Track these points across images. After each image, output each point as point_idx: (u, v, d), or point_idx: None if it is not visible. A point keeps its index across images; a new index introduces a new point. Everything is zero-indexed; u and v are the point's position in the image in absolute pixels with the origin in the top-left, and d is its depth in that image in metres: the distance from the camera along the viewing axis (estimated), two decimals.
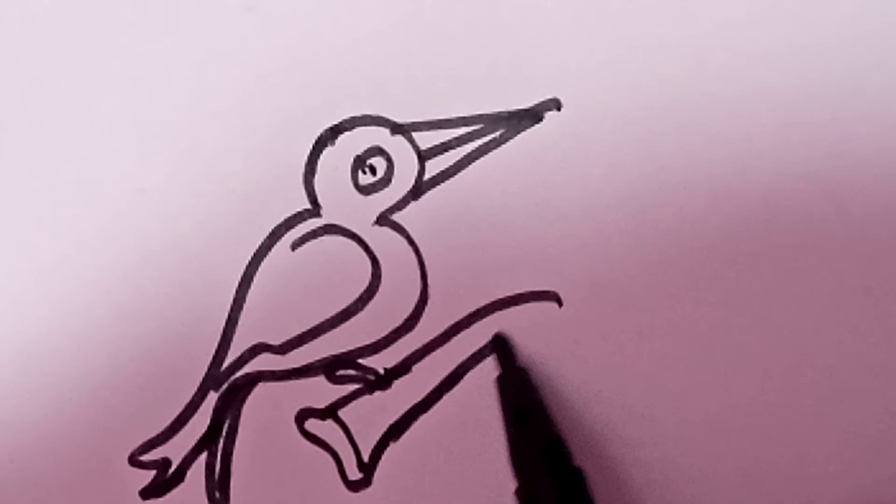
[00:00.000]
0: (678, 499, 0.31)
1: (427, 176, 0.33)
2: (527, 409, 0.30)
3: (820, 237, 0.31)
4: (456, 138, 0.32)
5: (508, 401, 0.31)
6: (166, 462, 0.33)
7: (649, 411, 0.31)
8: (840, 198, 0.31)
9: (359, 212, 0.33)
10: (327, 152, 0.33)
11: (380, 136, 0.33)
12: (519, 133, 0.32)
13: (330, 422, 0.33)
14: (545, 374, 0.31)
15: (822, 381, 0.31)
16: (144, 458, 0.33)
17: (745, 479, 0.31)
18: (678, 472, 0.31)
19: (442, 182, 0.32)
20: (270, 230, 0.33)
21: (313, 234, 0.33)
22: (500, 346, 0.32)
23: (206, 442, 0.33)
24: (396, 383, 0.33)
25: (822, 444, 0.31)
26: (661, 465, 0.31)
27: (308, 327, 0.33)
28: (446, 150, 0.32)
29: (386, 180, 0.33)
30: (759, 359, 0.31)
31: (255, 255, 0.33)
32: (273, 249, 0.33)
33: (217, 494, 0.33)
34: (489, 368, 0.32)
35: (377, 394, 0.33)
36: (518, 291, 0.32)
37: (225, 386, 0.33)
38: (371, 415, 0.33)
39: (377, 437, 0.33)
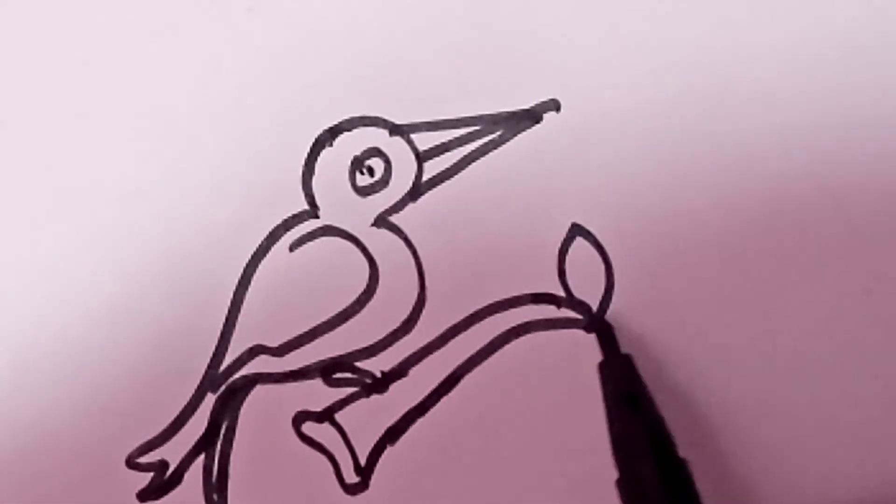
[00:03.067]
0: (781, 492, 0.30)
1: (425, 177, 0.32)
2: (636, 394, 0.30)
3: (820, 237, 0.30)
4: (454, 139, 0.32)
5: (615, 386, 0.30)
6: (164, 464, 0.33)
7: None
8: (840, 198, 0.30)
9: (357, 213, 0.33)
10: (325, 153, 0.33)
11: (378, 137, 0.33)
12: (518, 134, 0.32)
13: (327, 425, 0.33)
14: None
15: (822, 381, 0.30)
16: (142, 460, 0.33)
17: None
18: (780, 465, 0.30)
19: (440, 183, 0.32)
20: (269, 231, 0.33)
21: (311, 236, 0.33)
22: (603, 332, 0.31)
23: (204, 444, 0.33)
24: (393, 386, 0.32)
25: (822, 444, 0.30)
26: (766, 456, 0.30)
27: (306, 329, 0.33)
28: (445, 152, 0.32)
29: (384, 182, 0.33)
30: (758, 359, 0.30)
31: (253, 256, 0.33)
32: (271, 251, 0.33)
33: (215, 497, 0.33)
34: (486, 371, 0.32)
35: (374, 397, 0.32)
36: (516, 294, 0.32)
37: (223, 388, 0.33)
38: (368, 418, 0.32)
39: (374, 441, 0.32)
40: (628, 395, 0.30)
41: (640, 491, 0.29)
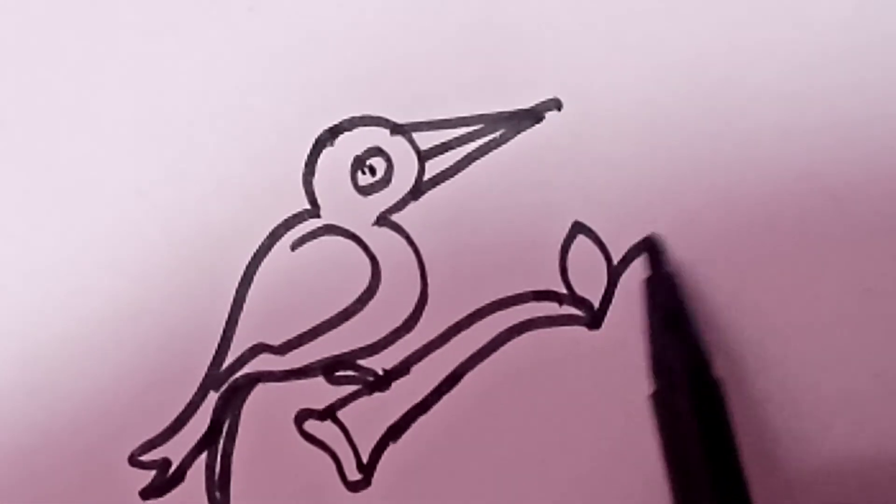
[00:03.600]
0: (810, 422, 0.30)
1: (427, 176, 0.32)
2: (678, 312, 0.30)
3: (820, 237, 0.31)
4: (456, 138, 0.32)
5: (659, 302, 0.30)
6: (166, 462, 0.33)
7: None
8: (840, 198, 0.30)
9: (358, 212, 0.33)
10: (327, 153, 0.33)
11: (379, 136, 0.33)
12: (519, 133, 0.32)
13: (329, 423, 0.33)
14: None
15: (821, 381, 0.31)
16: (144, 458, 0.33)
17: None
18: (811, 396, 0.31)
19: (442, 182, 0.32)
20: (270, 230, 0.33)
21: (313, 235, 0.33)
22: (651, 248, 0.31)
23: (206, 442, 0.33)
24: (395, 384, 0.32)
25: (823, 443, 0.31)
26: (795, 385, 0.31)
27: (307, 328, 0.33)
28: (446, 151, 0.32)
29: (385, 181, 0.33)
30: (758, 358, 0.31)
31: (254, 255, 0.33)
32: (273, 250, 0.33)
33: (217, 495, 0.33)
34: (488, 369, 0.32)
35: (376, 395, 0.33)
36: (518, 292, 0.32)
37: (225, 386, 0.33)
38: (370, 416, 0.32)
39: (376, 439, 0.32)
40: (670, 311, 0.30)
41: (672, 406, 0.29)
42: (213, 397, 0.33)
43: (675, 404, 0.29)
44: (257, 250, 0.33)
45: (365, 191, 0.33)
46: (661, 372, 0.29)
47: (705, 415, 0.29)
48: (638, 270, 0.31)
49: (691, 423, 0.29)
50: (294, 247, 0.33)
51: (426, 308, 0.32)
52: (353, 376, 0.33)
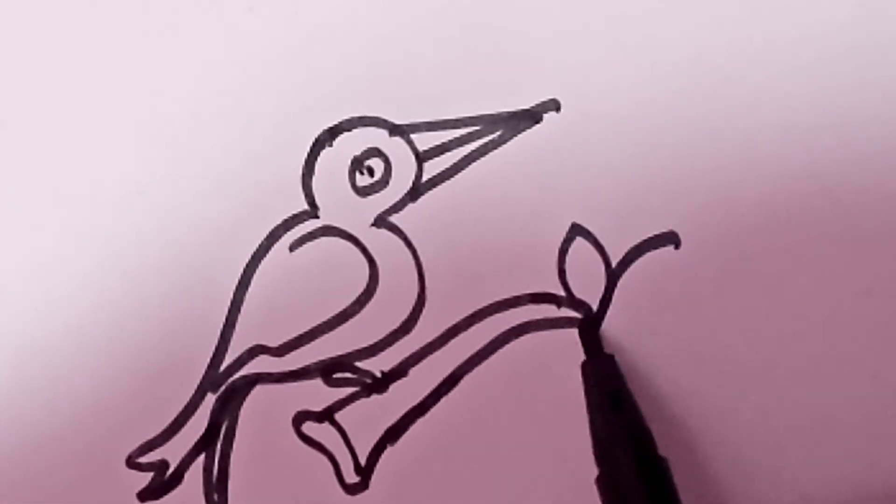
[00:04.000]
0: (760, 493, 0.30)
1: (425, 177, 0.32)
2: (618, 394, 0.30)
3: (820, 237, 0.30)
4: (454, 139, 0.32)
5: (598, 386, 0.30)
6: (164, 464, 0.33)
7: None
8: (840, 198, 0.30)
9: (356, 213, 0.33)
10: (325, 153, 0.33)
11: (378, 137, 0.33)
12: (518, 134, 0.32)
13: (327, 425, 0.33)
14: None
15: (822, 381, 0.30)
16: (142, 459, 0.33)
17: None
18: (765, 468, 0.30)
19: (440, 184, 0.32)
20: (268, 231, 0.33)
21: (311, 236, 0.33)
22: (586, 333, 0.31)
23: (204, 444, 0.33)
24: (393, 386, 0.32)
25: (822, 444, 0.30)
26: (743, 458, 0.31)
27: (305, 329, 0.33)
28: (444, 152, 0.32)
29: (384, 182, 0.33)
30: (758, 358, 0.30)
31: (253, 256, 0.33)
32: (271, 251, 0.33)
33: (215, 496, 0.33)
34: (486, 371, 0.32)
35: (374, 397, 0.32)
36: (516, 294, 0.32)
37: (223, 388, 0.33)
38: (368, 418, 0.32)
39: (374, 441, 0.32)
40: (610, 393, 0.30)
41: (618, 489, 0.29)
42: (211, 399, 0.33)
43: (621, 486, 0.29)
44: (256, 251, 0.33)
45: (363, 192, 0.33)
46: (605, 454, 0.29)
47: (652, 496, 0.28)
48: (637, 272, 0.31)
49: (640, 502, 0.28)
50: (292, 248, 0.33)
51: (424, 310, 0.32)
52: (352, 378, 0.33)
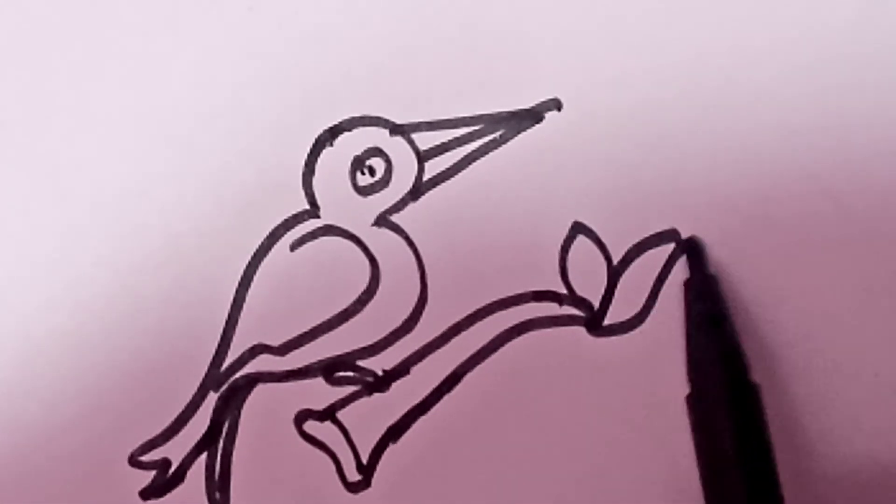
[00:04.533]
0: (842, 427, 0.30)
1: (426, 177, 0.32)
2: (718, 314, 0.30)
3: (820, 237, 0.31)
4: (455, 139, 0.32)
5: (699, 304, 0.30)
6: (166, 462, 0.33)
7: None
8: (840, 198, 0.30)
9: (357, 213, 0.33)
10: (326, 153, 0.33)
11: (379, 136, 0.33)
12: (519, 133, 0.32)
13: (328, 423, 0.33)
14: None
15: (822, 381, 0.31)
16: (144, 458, 0.33)
17: None
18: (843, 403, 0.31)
19: (441, 183, 0.32)
20: (269, 231, 0.33)
21: (312, 235, 0.33)
22: (692, 249, 0.31)
23: (206, 443, 0.33)
24: (395, 385, 0.32)
25: (823, 443, 0.31)
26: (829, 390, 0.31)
27: (307, 328, 0.33)
28: (445, 151, 0.32)
29: (385, 181, 0.33)
30: (757, 358, 0.31)
31: (254, 255, 0.33)
32: (272, 250, 0.33)
33: (217, 495, 0.33)
34: (488, 370, 0.32)
35: (376, 395, 0.32)
36: (518, 292, 0.32)
37: (225, 387, 0.33)
38: (370, 417, 0.32)
39: (376, 439, 0.32)
40: (710, 313, 0.30)
41: (707, 408, 0.29)
42: (212, 398, 0.33)
43: (711, 407, 0.29)
44: (257, 250, 0.33)
45: (364, 191, 0.33)
46: (699, 374, 0.30)
47: (741, 419, 0.29)
48: (638, 271, 0.31)
49: (726, 426, 0.29)
50: (293, 247, 0.33)
51: (426, 309, 0.32)
52: (353, 377, 0.33)
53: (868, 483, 0.30)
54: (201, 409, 0.33)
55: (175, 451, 0.33)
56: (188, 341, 0.33)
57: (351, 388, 0.33)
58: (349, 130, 0.33)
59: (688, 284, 0.31)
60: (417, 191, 0.32)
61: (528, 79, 0.32)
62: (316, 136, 0.33)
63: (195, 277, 0.33)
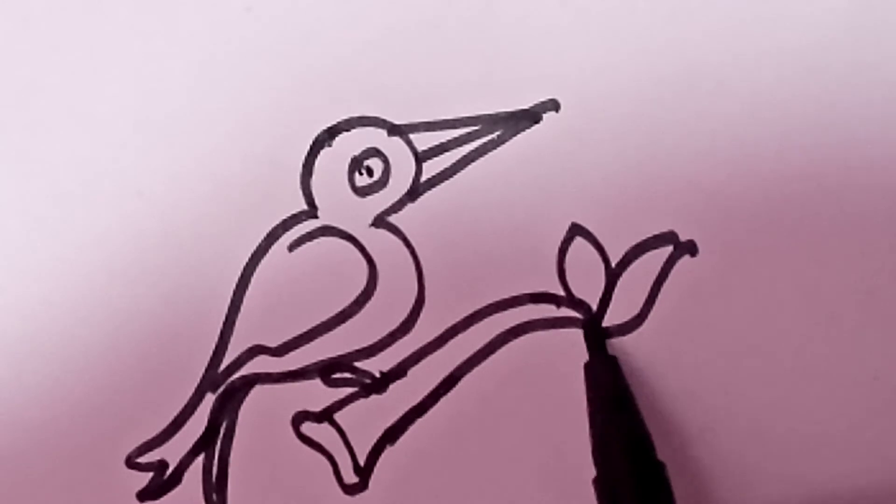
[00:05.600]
0: (755, 499, 0.30)
1: (424, 177, 0.32)
2: (620, 396, 0.30)
3: (820, 237, 0.30)
4: (453, 139, 0.32)
5: (601, 387, 0.30)
6: (163, 464, 0.33)
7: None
8: (840, 198, 0.30)
9: (355, 213, 0.33)
10: (324, 153, 0.33)
11: (377, 137, 0.33)
12: (517, 134, 0.32)
13: (326, 425, 0.33)
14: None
15: (822, 382, 0.30)
16: (141, 460, 0.33)
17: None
18: (752, 472, 0.31)
19: (439, 183, 0.32)
20: (267, 231, 0.33)
21: (310, 236, 0.33)
22: (591, 332, 0.31)
23: (203, 444, 0.33)
24: (392, 387, 0.32)
25: (822, 444, 0.30)
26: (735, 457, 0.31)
27: (304, 329, 0.33)
28: (443, 152, 0.32)
29: (383, 182, 0.33)
30: (759, 360, 0.30)
31: (252, 256, 0.33)
32: (270, 251, 0.33)
33: (214, 497, 0.33)
34: (486, 372, 0.32)
35: (373, 397, 0.32)
36: (515, 294, 0.32)
37: (222, 388, 0.33)
38: (367, 418, 0.32)
39: (373, 441, 0.32)
40: (612, 395, 0.30)
41: (615, 491, 0.29)
42: (210, 399, 0.33)
43: (619, 488, 0.29)
44: (255, 251, 0.33)
45: (362, 192, 0.33)
46: (604, 456, 0.29)
47: (647, 499, 0.29)
48: (637, 271, 0.31)
49: None
50: (291, 248, 0.33)
51: (423, 310, 0.32)
52: (350, 378, 0.33)
53: None
54: (198, 410, 0.33)
55: (172, 452, 0.33)
56: (185, 342, 0.33)
57: (348, 390, 0.33)
58: (347, 131, 0.33)
59: (588, 368, 0.31)
60: (415, 191, 0.32)
61: (527, 79, 0.32)
62: (314, 136, 0.33)
63: (193, 278, 0.33)
